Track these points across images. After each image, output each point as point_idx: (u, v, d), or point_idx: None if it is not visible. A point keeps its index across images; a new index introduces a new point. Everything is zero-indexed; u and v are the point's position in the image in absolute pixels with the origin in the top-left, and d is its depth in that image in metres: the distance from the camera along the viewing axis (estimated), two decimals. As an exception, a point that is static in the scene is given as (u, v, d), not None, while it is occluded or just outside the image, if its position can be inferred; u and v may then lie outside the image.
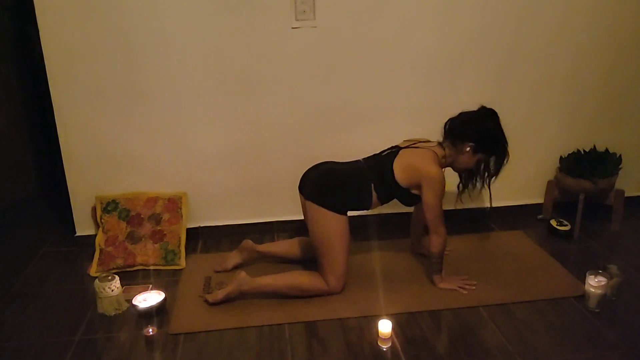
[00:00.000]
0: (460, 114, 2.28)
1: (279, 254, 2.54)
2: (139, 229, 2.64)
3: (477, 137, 2.21)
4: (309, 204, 2.24)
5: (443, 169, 2.27)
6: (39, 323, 2.16)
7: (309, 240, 2.35)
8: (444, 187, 2.21)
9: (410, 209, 2.59)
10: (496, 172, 2.29)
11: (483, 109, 2.26)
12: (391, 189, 2.25)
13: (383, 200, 2.30)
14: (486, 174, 2.31)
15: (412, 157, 2.23)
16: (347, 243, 2.23)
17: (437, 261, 2.30)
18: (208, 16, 2.49)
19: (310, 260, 2.40)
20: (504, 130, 2.24)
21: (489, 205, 2.59)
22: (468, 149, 2.22)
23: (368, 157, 2.35)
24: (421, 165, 2.19)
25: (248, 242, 2.52)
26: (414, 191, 2.24)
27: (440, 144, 2.30)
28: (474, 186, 2.38)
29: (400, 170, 2.21)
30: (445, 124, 2.29)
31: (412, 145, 2.29)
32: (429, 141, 2.32)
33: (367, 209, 2.31)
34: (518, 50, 2.76)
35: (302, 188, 2.36)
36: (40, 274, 2.56)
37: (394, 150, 2.29)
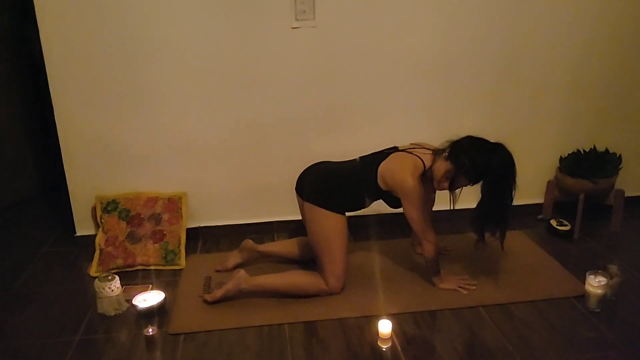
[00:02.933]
0: (460, 141, 2.13)
1: (280, 253, 2.54)
2: (139, 229, 2.64)
3: (455, 144, 2.12)
4: (307, 204, 2.24)
5: (439, 183, 2.16)
6: (39, 323, 2.16)
7: (308, 240, 2.35)
8: (420, 197, 2.13)
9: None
10: (486, 210, 2.11)
11: (498, 144, 2.10)
12: (376, 190, 2.25)
13: (371, 198, 2.30)
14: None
15: (395, 162, 2.20)
16: (345, 243, 2.23)
17: (433, 264, 2.30)
18: (208, 16, 2.49)
19: (310, 261, 2.40)
20: (505, 141, 2.10)
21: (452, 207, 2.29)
22: (445, 154, 2.14)
23: (366, 155, 2.35)
24: (396, 172, 2.16)
25: (248, 242, 2.53)
26: (396, 195, 2.22)
27: (434, 152, 2.20)
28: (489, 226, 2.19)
29: (381, 173, 2.20)
30: (452, 143, 2.16)
31: (408, 150, 2.26)
32: (429, 149, 2.24)
33: (364, 208, 2.32)
34: (518, 50, 2.76)
35: (299, 189, 2.36)
36: (40, 274, 2.56)
37: (389, 152, 2.28)
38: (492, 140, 2.14)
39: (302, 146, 2.75)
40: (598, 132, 2.97)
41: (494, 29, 2.70)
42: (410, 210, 2.16)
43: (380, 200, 2.32)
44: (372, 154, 2.34)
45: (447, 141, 2.17)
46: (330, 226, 2.20)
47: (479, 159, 2.05)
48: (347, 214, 2.25)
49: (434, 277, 2.33)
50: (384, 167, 2.21)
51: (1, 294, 2.39)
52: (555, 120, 2.94)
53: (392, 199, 2.28)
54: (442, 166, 2.13)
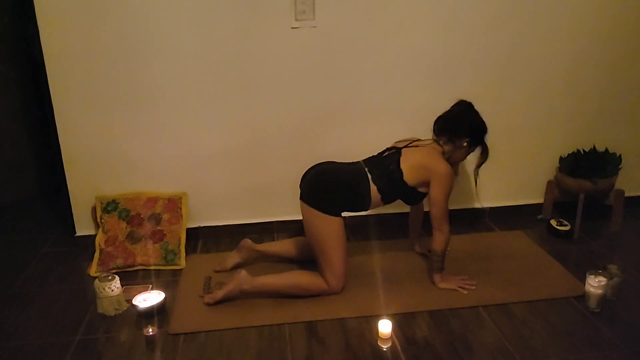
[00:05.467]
0: (450, 110, 2.32)
1: (278, 253, 2.54)
2: (139, 229, 2.64)
3: (472, 131, 2.28)
4: (303, 204, 2.24)
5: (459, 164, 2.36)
6: (39, 323, 2.16)
7: (307, 240, 2.35)
8: (453, 182, 2.24)
9: (408, 208, 2.60)
10: (484, 160, 2.34)
11: (465, 103, 2.31)
12: (398, 189, 2.25)
13: (387, 201, 2.29)
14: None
15: (420, 155, 2.24)
16: (342, 244, 2.22)
17: (439, 259, 2.30)
18: (208, 16, 2.49)
19: (309, 260, 2.39)
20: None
21: (480, 204, 2.53)
22: (465, 144, 2.27)
23: (367, 158, 2.34)
24: (431, 162, 2.22)
25: (247, 241, 2.52)
26: (421, 189, 2.25)
27: (435, 141, 2.31)
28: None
29: (410, 169, 2.22)
30: (437, 122, 2.32)
31: (411, 145, 2.29)
32: (420, 139, 2.34)
33: (365, 211, 2.31)
34: (518, 50, 2.76)
35: (300, 187, 2.36)
36: (40, 274, 2.56)
37: (395, 151, 2.29)
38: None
39: (302, 146, 2.75)
40: (598, 132, 2.97)
41: (494, 29, 2.70)
42: (441, 195, 2.20)
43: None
44: (376, 156, 2.33)
45: (435, 127, 2.32)
46: (325, 228, 2.20)
47: (480, 124, 2.30)
48: (347, 214, 2.25)
49: (436, 274, 2.32)
50: (409, 162, 2.23)
51: (1, 294, 2.39)
52: (555, 120, 2.93)
53: (414, 195, 2.29)
54: (463, 153, 2.32)
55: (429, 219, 2.28)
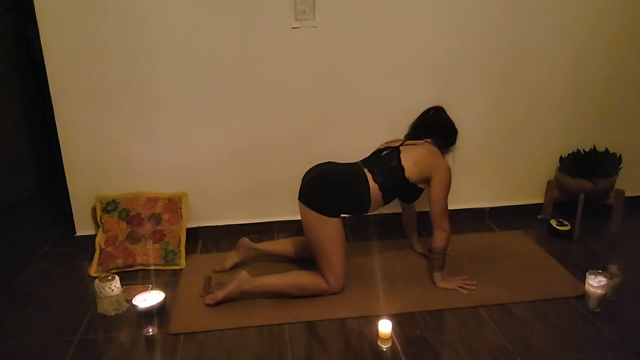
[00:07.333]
0: (442, 117, 2.40)
1: (277, 252, 2.53)
2: (139, 229, 2.64)
3: (455, 140, 2.43)
4: (301, 205, 2.24)
5: None
6: (39, 323, 2.16)
7: (306, 239, 2.34)
8: (451, 179, 2.27)
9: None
10: None
11: (443, 111, 2.40)
12: (399, 186, 2.26)
13: (387, 200, 2.29)
14: None
15: (421, 152, 2.27)
16: (341, 244, 2.22)
17: (439, 257, 2.29)
18: (208, 17, 2.49)
19: (307, 259, 2.40)
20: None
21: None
22: (447, 150, 2.43)
23: (365, 159, 2.35)
24: (433, 159, 2.26)
25: (244, 240, 2.51)
26: (421, 185, 2.28)
27: (429, 142, 2.35)
28: None
29: (413, 165, 2.23)
30: (430, 126, 2.38)
31: (407, 143, 2.32)
32: (407, 140, 2.39)
33: (365, 212, 2.30)
34: (518, 50, 2.76)
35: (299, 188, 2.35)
36: (40, 274, 2.56)
37: (394, 149, 2.30)
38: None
39: (302, 146, 2.75)
40: (598, 132, 2.97)
41: (494, 29, 2.70)
42: (441, 192, 2.23)
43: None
44: (373, 156, 2.34)
45: (426, 131, 2.40)
46: (323, 229, 2.20)
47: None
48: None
49: (436, 272, 2.32)
50: (411, 159, 2.25)
51: (1, 294, 2.39)
52: (555, 120, 2.93)
53: (414, 191, 2.33)
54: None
55: (428, 219, 2.28)
